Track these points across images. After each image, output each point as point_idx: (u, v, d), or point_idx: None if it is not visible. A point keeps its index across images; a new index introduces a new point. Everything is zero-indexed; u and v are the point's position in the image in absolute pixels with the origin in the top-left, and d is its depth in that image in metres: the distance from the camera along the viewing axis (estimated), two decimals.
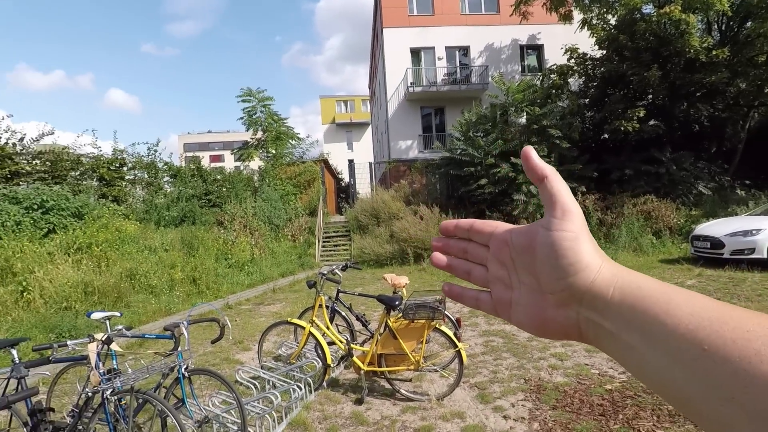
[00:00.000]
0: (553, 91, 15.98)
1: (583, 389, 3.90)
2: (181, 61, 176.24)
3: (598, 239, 11.23)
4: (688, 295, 0.33)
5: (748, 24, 13.82)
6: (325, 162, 22.37)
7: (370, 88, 37.30)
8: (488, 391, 4.02)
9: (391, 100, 22.14)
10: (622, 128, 12.85)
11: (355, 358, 4.08)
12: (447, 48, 22.53)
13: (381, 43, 22.79)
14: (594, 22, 16.05)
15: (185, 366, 3.06)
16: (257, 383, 3.87)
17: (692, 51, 12.47)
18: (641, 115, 12.92)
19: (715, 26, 14.75)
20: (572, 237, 0.38)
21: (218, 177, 16.95)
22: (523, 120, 15.23)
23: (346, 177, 34.88)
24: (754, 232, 8.24)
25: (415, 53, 22.47)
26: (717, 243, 8.65)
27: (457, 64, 22.80)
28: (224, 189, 16.23)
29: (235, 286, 10.35)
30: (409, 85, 21.45)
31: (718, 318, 0.31)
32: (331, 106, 47.55)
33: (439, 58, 22.42)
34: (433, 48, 22.37)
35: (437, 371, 4.26)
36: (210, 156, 50.67)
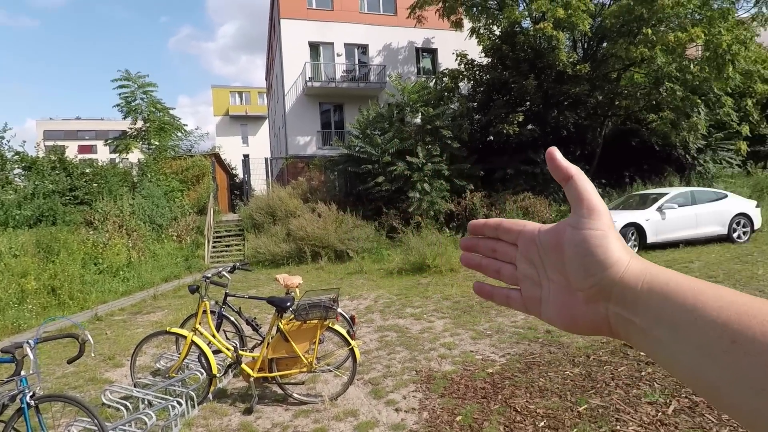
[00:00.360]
0: (446, 93, 16.85)
1: (468, 375, 4.13)
2: (42, 35, 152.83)
3: None
4: (717, 289, 0.33)
5: (604, 44, 15.94)
6: (217, 156, 21.03)
7: (267, 80, 35.90)
8: (381, 386, 4.07)
9: (289, 94, 21.55)
10: (505, 131, 14.01)
11: (243, 366, 3.85)
12: (346, 45, 22.55)
13: (278, 34, 22.04)
14: (482, 31, 17.24)
15: (31, 393, 2.60)
16: (129, 404, 3.45)
17: (561, 64, 14.01)
18: (520, 120, 14.20)
19: (580, 44, 16.76)
20: (600, 235, 0.39)
21: (87, 170, 14.96)
22: (418, 120, 15.84)
23: (240, 173, 33.21)
24: None
25: (314, 47, 22.12)
26: None
27: (356, 62, 22.95)
28: (95, 184, 14.38)
29: (107, 295, 9.23)
30: (307, 79, 21.06)
31: (746, 311, 0.31)
32: (225, 97, 44.86)
33: (338, 55, 22.36)
34: (332, 44, 22.23)
35: (331, 371, 4.20)
36: (79, 146, 44.67)
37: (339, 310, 4.40)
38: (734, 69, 13.20)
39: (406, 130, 15.03)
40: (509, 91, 15.43)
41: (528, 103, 15.30)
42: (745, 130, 15.87)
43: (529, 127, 15.03)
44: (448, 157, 14.41)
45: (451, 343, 4.97)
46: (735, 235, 10.00)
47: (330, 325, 3.82)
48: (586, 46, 16.70)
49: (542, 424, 3.17)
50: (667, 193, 10.34)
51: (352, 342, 3.84)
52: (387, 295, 7.62)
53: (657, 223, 9.70)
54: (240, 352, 3.95)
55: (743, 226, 10.10)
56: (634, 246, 9.50)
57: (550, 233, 0.43)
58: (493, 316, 5.82)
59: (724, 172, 16.53)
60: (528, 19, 15.79)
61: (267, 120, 40.79)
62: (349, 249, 11.62)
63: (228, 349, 3.95)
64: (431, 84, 17.77)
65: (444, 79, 17.55)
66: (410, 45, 23.48)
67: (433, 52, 24.23)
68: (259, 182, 21.57)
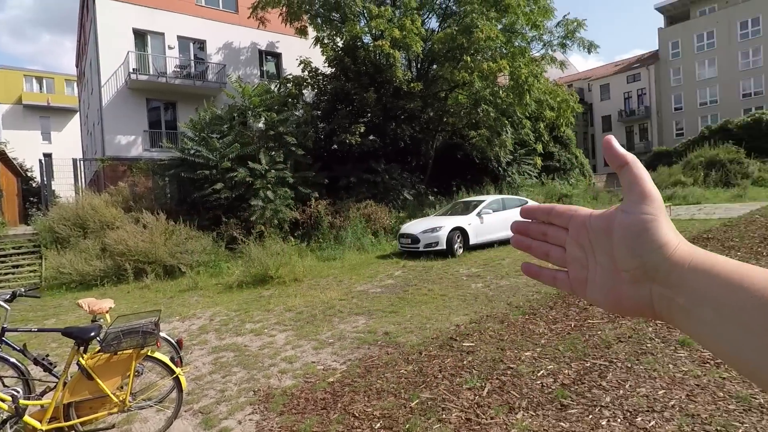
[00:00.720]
0: (290, 99, 16.64)
1: (309, 387, 4.05)
2: None
3: (330, 241, 12.24)
4: (762, 271, 0.35)
5: (434, 66, 17.71)
6: (2, 154, 17.04)
7: (78, 67, 30.55)
8: (214, 413, 3.71)
9: (107, 85, 18.70)
10: (348, 141, 14.44)
11: (27, 418, 3.09)
12: (180, 38, 20.59)
13: (93, 14, 18.96)
14: (326, 41, 17.53)
15: None
16: None
17: (398, 81, 15.08)
18: (362, 130, 14.82)
19: (414, 64, 18.30)
20: (650, 218, 0.40)
21: None
22: (261, 125, 15.27)
23: (38, 176, 27.47)
24: (437, 228, 10.54)
25: (140, 36, 19.66)
26: (415, 239, 10.67)
27: (192, 57, 21.13)
28: None
29: None
30: (131, 71, 18.56)
31: None
32: (17, 82, 36.78)
33: (170, 47, 20.28)
34: (162, 34, 20.05)
35: (152, 406, 3.67)
36: None
37: (163, 334, 3.89)
38: (530, 97, 15.95)
39: (247, 134, 14.34)
40: (352, 102, 15.98)
41: (369, 114, 16.06)
42: (539, 147, 19.35)
43: (371, 137, 15.78)
44: (292, 164, 14.20)
45: (293, 357, 4.82)
46: None
47: (149, 354, 3.33)
48: (419, 66, 18.31)
49: (378, 425, 3.26)
50: (484, 200, 11.92)
51: (177, 370, 3.41)
52: (225, 312, 7.08)
53: (477, 226, 11.09)
54: (22, 401, 3.17)
55: None
56: (460, 247, 10.69)
57: (601, 218, 0.45)
58: (336, 324, 5.87)
59: (526, 182, 19.83)
60: (368, 35, 16.62)
61: (78, 114, 34.70)
62: (182, 263, 10.52)
63: (2, 400, 3.13)
64: (275, 88, 17.36)
65: (288, 84, 17.33)
66: (253, 46, 22.62)
67: (277, 56, 23.75)
68: (65, 188, 18.11)
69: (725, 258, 0.38)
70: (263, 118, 14.70)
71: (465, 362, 4.17)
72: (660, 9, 45.49)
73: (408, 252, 11.01)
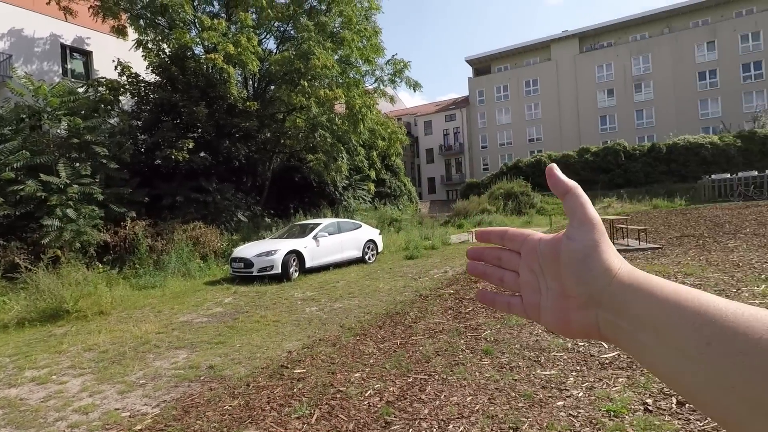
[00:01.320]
0: (102, 105, 14.47)
1: None
2: None
3: (148, 267, 10.85)
4: (697, 294, 0.36)
5: (272, 87, 17.55)
6: None
7: None
8: None
9: None
10: (173, 156, 13.17)
11: None
12: None
13: None
14: (150, 46, 15.85)
15: None
16: None
17: (232, 98, 14.48)
18: (191, 146, 13.70)
19: (250, 82, 17.84)
20: (593, 245, 0.42)
21: None
22: (61, 131, 12.88)
23: None
24: (273, 252, 10.27)
25: None
26: (248, 263, 10.20)
27: None
28: None
29: None
30: None
31: (722, 316, 0.33)
32: None
33: None
34: None
35: None
36: None
37: None
38: (364, 126, 17.01)
39: (41, 141, 11.93)
40: (179, 115, 14.71)
41: (200, 129, 14.99)
42: (373, 174, 20.66)
43: (201, 154, 14.70)
44: (102, 178, 12.29)
45: (90, 405, 4.06)
46: (366, 257, 12.65)
47: None
48: (256, 85, 17.92)
49: None
50: (320, 224, 12.11)
51: None
52: None
53: (313, 249, 11.17)
54: None
55: (372, 249, 12.91)
56: (296, 271, 10.59)
57: (549, 243, 0.46)
58: (150, 361, 5.17)
59: (360, 206, 20.87)
60: (200, 46, 15.65)
61: None
62: None
63: None
64: (82, 90, 14.91)
65: (101, 88, 15.09)
66: (54, 38, 19.14)
67: (87, 55, 20.54)
68: None
69: (664, 281, 0.39)
70: (65, 123, 12.43)
71: (295, 390, 4.10)
72: (469, 61, 53.84)
73: (240, 277, 10.44)
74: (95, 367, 5.08)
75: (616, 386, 3.64)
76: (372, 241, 12.96)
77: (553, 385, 3.77)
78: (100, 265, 10.41)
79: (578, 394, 3.58)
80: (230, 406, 3.87)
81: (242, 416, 3.66)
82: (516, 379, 3.98)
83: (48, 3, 15.90)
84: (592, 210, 0.45)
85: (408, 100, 50.62)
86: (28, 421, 3.82)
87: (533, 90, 48.76)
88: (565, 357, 4.36)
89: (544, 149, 43.34)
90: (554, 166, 0.48)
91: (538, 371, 4.09)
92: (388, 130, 18.98)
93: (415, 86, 19.61)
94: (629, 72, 44.06)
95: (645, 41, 43.81)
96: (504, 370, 4.22)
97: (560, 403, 3.46)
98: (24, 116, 12.21)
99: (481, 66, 53.71)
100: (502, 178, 30.21)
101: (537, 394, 3.64)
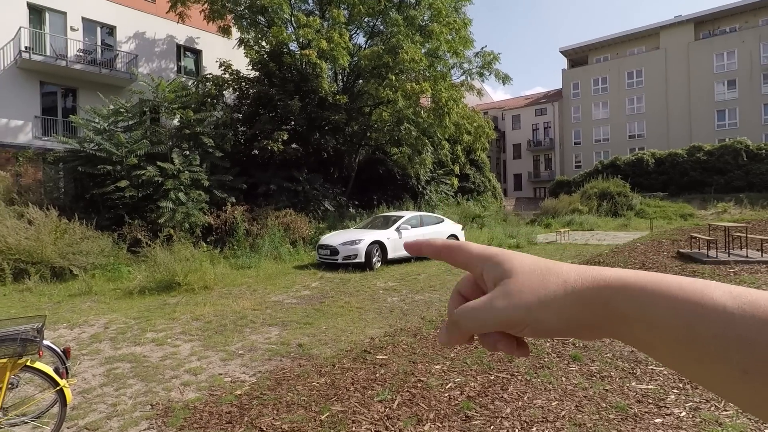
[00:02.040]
0: (209, 99, 15.90)
1: (214, 400, 3.85)
2: None
3: (245, 249, 11.77)
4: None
5: (360, 81, 18.01)
6: None
7: None
8: (103, 430, 3.38)
9: None
10: (270, 147, 14.10)
11: None
12: (86, 20, 18.84)
13: None
14: (251, 43, 17.07)
15: None
16: None
17: (323, 92, 15.10)
18: (285, 138, 14.57)
19: (340, 77, 18.45)
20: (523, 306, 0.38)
21: None
22: (175, 122, 14.39)
23: None
24: (357, 241, 10.62)
25: (37, 12, 17.68)
26: (334, 250, 10.66)
27: (99, 43, 19.38)
28: None
29: None
30: (23, 48, 16.54)
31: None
32: None
33: (74, 29, 18.46)
34: (65, 14, 18.21)
35: (27, 422, 3.26)
36: None
37: (47, 342, 3.48)
38: (450, 120, 16.84)
39: (159, 131, 13.44)
40: (275, 108, 15.67)
41: (293, 122, 15.86)
42: (457, 169, 20.39)
43: (293, 145, 15.56)
44: (208, 166, 13.53)
45: (198, 368, 4.56)
46: None
47: (28, 363, 2.96)
48: (345, 80, 18.50)
49: None
50: (403, 216, 12.27)
51: (61, 381, 3.07)
52: (122, 319, 6.50)
53: (395, 241, 11.36)
54: None
55: None
56: (378, 261, 10.85)
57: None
58: (247, 335, 5.65)
59: (443, 201, 20.75)
60: (295, 42, 16.49)
61: None
62: (74, 265, 9.46)
63: None
64: (192, 86, 16.50)
65: (207, 84, 16.57)
66: (170, 39, 21.33)
67: (197, 53, 22.63)
68: None
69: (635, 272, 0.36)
70: (178, 116, 13.87)
71: (377, 375, 4.24)
72: (564, 52, 50.68)
73: (326, 263, 10.95)
74: (201, 335, 5.67)
75: (726, 410, 3.30)
76: (454, 235, 12.85)
77: (650, 401, 3.51)
78: (204, 244, 11.53)
79: (680, 413, 3.29)
80: (317, 383, 4.11)
81: (328, 393, 3.88)
82: (607, 390, 3.76)
83: (168, 12, 17.74)
84: (478, 248, 0.43)
85: (494, 94, 49.13)
86: (149, 375, 4.39)
87: (636, 82, 44.68)
88: (665, 372, 4.03)
89: (647, 147, 39.64)
90: (408, 243, 0.47)
91: (633, 384, 3.83)
92: (474, 124, 18.60)
93: (504, 79, 18.99)
94: (757, 60, 38.58)
95: None
96: (594, 378, 4.00)
97: (658, 420, 3.21)
98: (146, 109, 13.80)
99: (578, 57, 50.33)
100: (597, 177, 28.22)
101: (631, 408, 3.41)
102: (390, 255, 11.17)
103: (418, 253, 0.46)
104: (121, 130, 12.76)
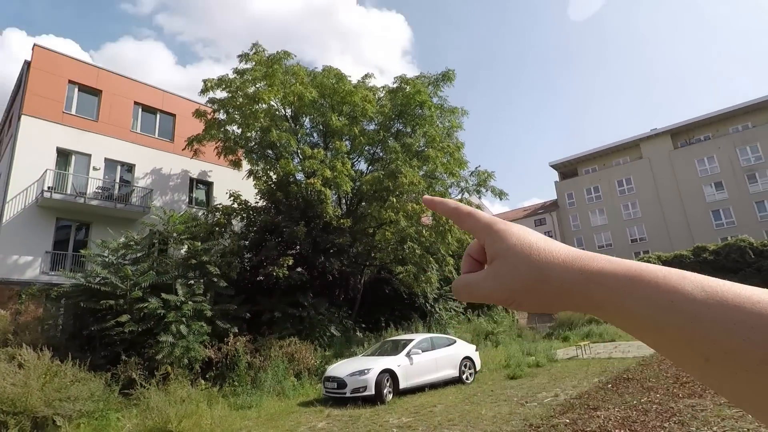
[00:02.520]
0: (217, 228, 16.35)
1: None
2: None
3: (246, 385, 11.01)
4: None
5: (363, 204, 18.69)
6: None
7: None
8: None
9: (13, 201, 17.28)
10: (275, 273, 14.06)
11: None
12: (108, 160, 20.26)
13: (14, 130, 18.35)
14: (259, 174, 18.11)
15: None
16: None
17: (328, 216, 15.57)
18: (290, 263, 14.61)
19: (344, 201, 19.21)
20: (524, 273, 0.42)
21: None
22: (183, 252, 14.59)
23: None
24: (366, 371, 9.93)
25: (64, 155, 19.10)
26: (341, 383, 9.91)
27: (117, 179, 20.59)
28: None
29: None
30: (46, 188, 17.50)
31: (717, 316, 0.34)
32: None
33: (96, 168, 19.75)
34: (90, 155, 19.65)
35: None
36: None
37: None
38: (452, 237, 17.05)
39: (166, 262, 13.54)
40: (281, 234, 16.01)
41: (298, 247, 16.07)
42: None
43: (298, 269, 15.56)
44: (212, 295, 13.35)
45: None
46: (464, 376, 11.71)
47: None
48: (348, 204, 19.23)
49: None
50: (413, 339, 11.67)
51: None
52: None
53: (407, 368, 10.64)
54: None
55: (468, 368, 11.98)
56: (390, 392, 10.03)
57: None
58: None
59: (453, 318, 20.07)
60: (301, 172, 17.50)
61: None
62: (59, 414, 8.73)
63: None
64: (201, 216, 17.11)
65: (217, 213, 17.19)
66: (184, 173, 22.71)
67: (208, 185, 23.91)
68: None
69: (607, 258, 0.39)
70: (186, 246, 14.10)
71: None
72: (554, 166, 53.64)
73: (333, 398, 10.12)
74: None
75: None
76: (469, 358, 12.10)
77: None
78: (203, 382, 10.81)
79: None
80: None
81: None
82: None
83: (184, 149, 19.21)
84: (485, 218, 0.46)
85: (492, 207, 51.12)
86: None
87: (627, 189, 46.50)
88: None
89: (651, 250, 39.73)
90: (427, 197, 0.52)
91: None
92: None
93: (500, 195, 19.71)
94: (737, 163, 40.60)
95: (749, 131, 40.80)
96: None
97: None
98: (155, 241, 14.08)
99: (567, 169, 53.15)
100: None
101: None
102: (402, 384, 10.38)
103: (432, 208, 0.52)
104: (128, 262, 12.86)
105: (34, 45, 19.27)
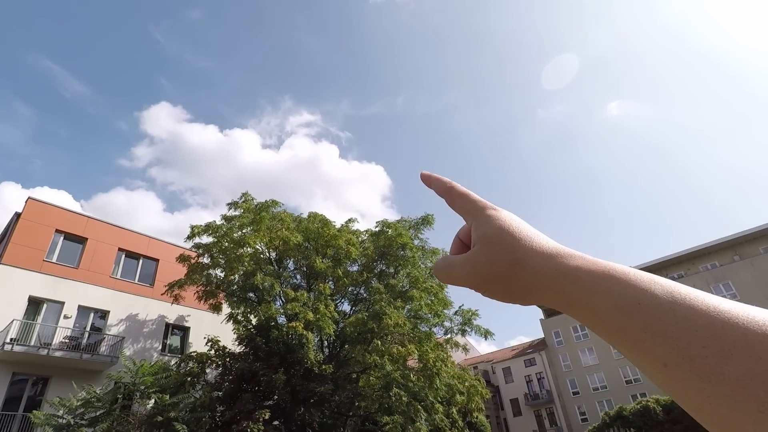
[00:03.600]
0: (188, 378, 15.28)
1: None
2: None
3: None
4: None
5: (346, 347, 18.01)
6: None
7: None
8: None
9: None
10: (249, 429, 12.80)
11: None
12: (81, 307, 19.61)
13: None
14: (239, 318, 17.67)
15: None
16: None
17: (309, 362, 14.86)
18: (267, 417, 13.41)
19: (326, 345, 18.53)
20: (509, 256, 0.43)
21: None
22: (149, 407, 13.36)
23: None
24: None
25: (35, 304, 18.49)
26: None
27: (88, 327, 19.68)
28: None
29: None
30: (7, 341, 16.49)
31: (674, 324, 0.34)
32: None
33: (66, 317, 18.98)
34: (63, 303, 19.05)
35: None
36: None
37: None
38: (440, 381, 16.18)
39: (129, 420, 12.29)
40: (258, 383, 15.01)
41: (276, 397, 14.94)
42: None
43: (275, 423, 14.22)
44: None
45: None
46: None
47: None
48: (331, 348, 18.52)
49: None
50: None
51: None
52: None
53: None
54: None
55: None
56: None
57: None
58: None
59: None
60: (283, 315, 17.18)
61: None
62: None
63: None
64: (174, 365, 16.09)
65: (190, 362, 16.24)
66: (161, 319, 21.97)
67: (185, 330, 23.00)
68: None
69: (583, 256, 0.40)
70: (153, 400, 12.98)
71: None
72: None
73: None
74: None
75: None
76: None
77: None
78: None
79: None
80: None
81: None
82: None
83: (163, 294, 18.97)
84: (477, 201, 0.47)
85: (479, 347, 49.52)
86: None
87: None
88: None
89: (648, 392, 37.83)
90: (425, 173, 0.53)
91: None
92: (466, 384, 17.87)
93: (486, 334, 19.37)
94: None
95: (719, 269, 42.68)
96: None
97: None
98: (119, 396, 12.97)
99: (551, 307, 53.26)
100: (608, 431, 25.64)
101: None
102: None
103: (428, 184, 0.52)
104: (86, 423, 11.63)
105: (29, 198, 19.95)
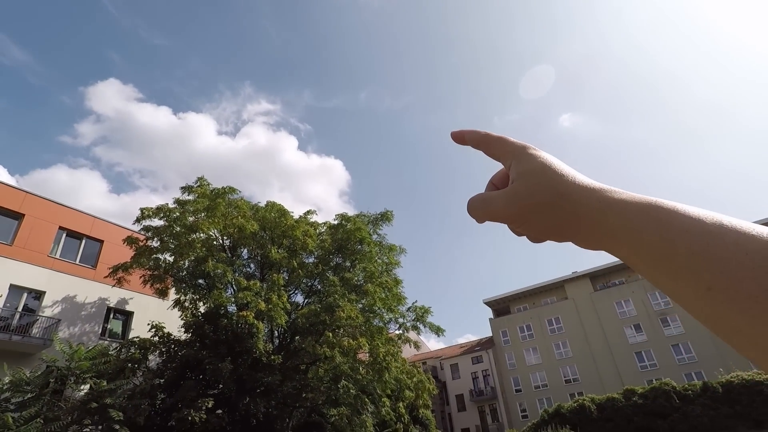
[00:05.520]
0: (129, 364, 14.68)
1: None
2: None
3: None
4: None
5: (297, 338, 17.87)
6: None
7: None
8: None
9: None
10: (190, 417, 12.47)
11: None
12: (14, 287, 18.36)
13: None
14: (187, 305, 17.12)
15: None
16: None
17: (258, 352, 14.64)
18: (210, 405, 13.12)
19: (276, 335, 18.31)
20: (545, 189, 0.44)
21: None
22: (82, 393, 12.73)
23: None
24: None
25: None
26: None
27: (19, 308, 18.46)
28: None
29: None
30: None
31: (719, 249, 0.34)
32: None
33: None
34: None
35: None
36: None
37: None
38: (389, 375, 16.40)
39: (60, 406, 11.67)
40: (203, 372, 14.64)
41: (221, 386, 14.63)
42: (401, 429, 18.73)
43: (218, 412, 13.93)
44: None
45: None
46: None
47: None
48: (281, 338, 18.32)
49: None
50: None
51: None
52: None
53: None
54: None
55: None
56: None
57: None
58: None
59: None
60: (234, 304, 16.81)
61: None
62: None
63: None
64: (114, 351, 15.40)
65: (132, 348, 15.60)
66: (101, 302, 20.92)
67: (127, 315, 22.02)
68: None
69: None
70: (88, 386, 12.37)
71: None
72: (487, 303, 55.43)
73: None
74: None
75: None
76: None
77: None
78: None
79: None
80: None
81: None
82: None
83: (106, 276, 18.09)
84: (511, 145, 0.47)
85: (429, 343, 50.46)
86: None
87: (557, 328, 48.30)
88: None
89: (585, 391, 39.87)
90: (455, 131, 0.52)
91: None
92: (414, 380, 18.20)
93: (438, 331, 19.76)
94: (650, 307, 44.15)
95: None
96: None
97: None
98: (51, 380, 12.27)
99: (500, 307, 55.02)
100: (546, 427, 26.90)
101: None
102: None
103: (461, 142, 0.51)
104: (13, 407, 10.92)
105: None
